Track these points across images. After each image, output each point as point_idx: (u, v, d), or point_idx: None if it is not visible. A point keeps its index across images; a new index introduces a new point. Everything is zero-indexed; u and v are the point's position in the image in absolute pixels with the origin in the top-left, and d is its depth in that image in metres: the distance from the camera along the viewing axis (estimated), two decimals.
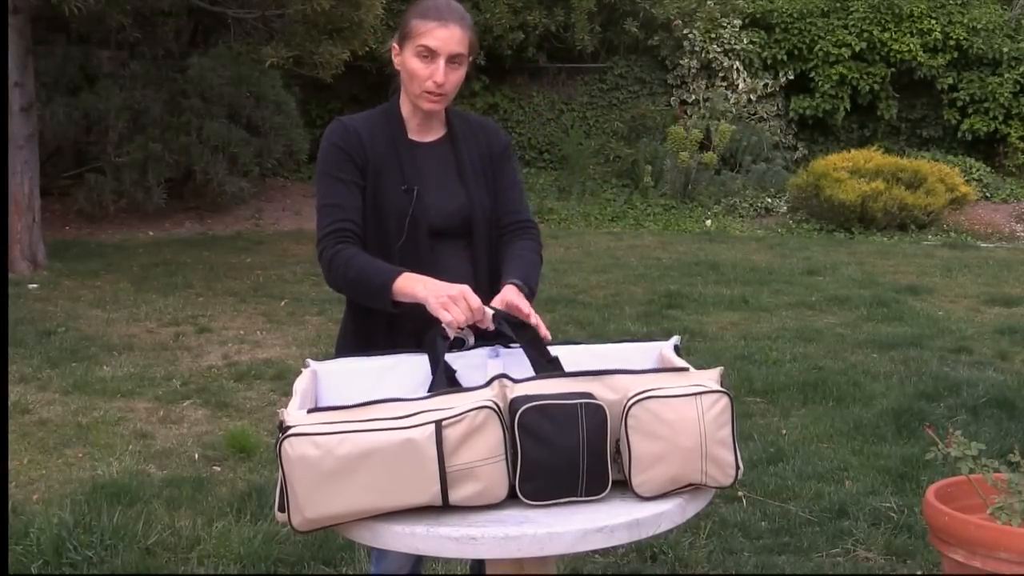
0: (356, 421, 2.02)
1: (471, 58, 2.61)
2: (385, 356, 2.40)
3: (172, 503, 4.25)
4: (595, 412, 2.09)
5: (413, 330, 2.48)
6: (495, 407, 2.07)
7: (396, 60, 2.60)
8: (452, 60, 2.54)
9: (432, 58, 2.52)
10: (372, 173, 2.58)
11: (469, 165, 2.66)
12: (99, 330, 7.21)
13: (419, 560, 2.76)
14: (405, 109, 2.65)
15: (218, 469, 4.73)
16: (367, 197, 2.57)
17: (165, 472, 4.68)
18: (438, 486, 2.02)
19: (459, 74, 2.57)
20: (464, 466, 2.04)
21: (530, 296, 2.48)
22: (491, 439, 2.06)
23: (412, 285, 2.38)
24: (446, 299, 2.31)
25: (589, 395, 2.12)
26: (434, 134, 2.67)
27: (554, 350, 2.37)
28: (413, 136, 2.65)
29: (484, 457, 2.05)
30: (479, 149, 2.69)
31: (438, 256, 2.57)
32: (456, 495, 2.04)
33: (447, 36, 2.52)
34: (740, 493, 4.33)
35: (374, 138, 2.60)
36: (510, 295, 2.41)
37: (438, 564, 3.71)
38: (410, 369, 2.36)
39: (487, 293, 2.52)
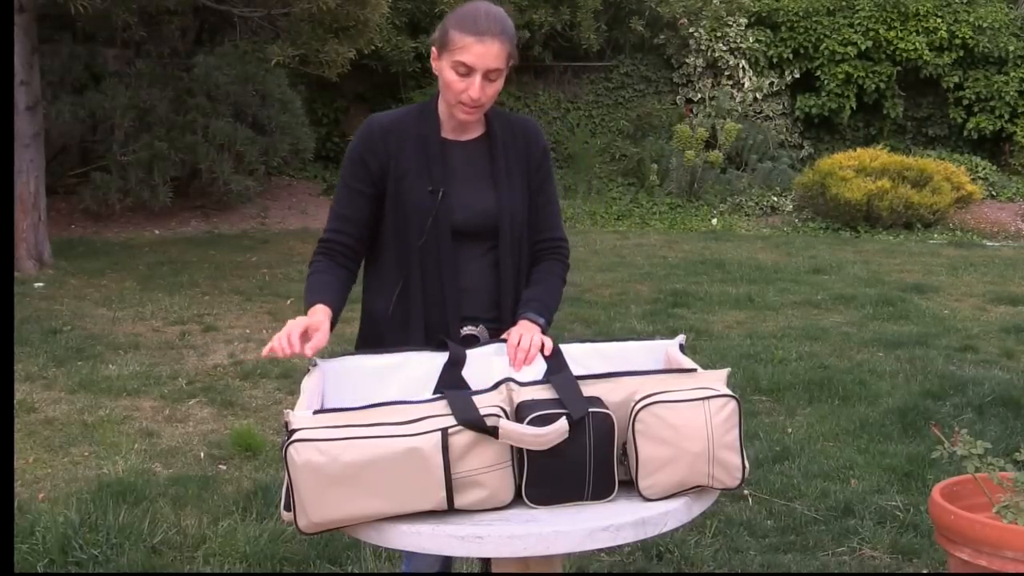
0: (361, 426, 2.01)
1: (511, 63, 2.53)
2: (393, 354, 2.40)
3: (178, 502, 4.25)
4: (603, 421, 2.08)
5: (427, 331, 2.50)
6: (502, 413, 2.06)
7: (434, 64, 2.53)
8: (489, 75, 2.46)
9: (469, 74, 2.45)
10: (396, 173, 2.53)
11: (504, 168, 2.59)
12: (105, 329, 7.21)
13: (449, 558, 2.75)
14: (442, 108, 2.59)
15: (224, 468, 4.73)
16: (391, 196, 2.54)
17: (171, 471, 4.68)
18: (443, 492, 2.02)
19: (496, 86, 2.49)
20: (470, 473, 2.03)
21: (546, 326, 2.50)
22: (497, 446, 2.05)
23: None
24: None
25: (597, 401, 2.11)
26: (471, 133, 2.61)
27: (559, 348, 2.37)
28: (448, 135, 2.59)
29: (490, 464, 2.05)
30: (517, 152, 2.63)
31: (458, 257, 2.54)
32: (462, 500, 2.04)
33: (484, 52, 2.43)
34: (746, 492, 4.32)
35: (404, 137, 2.55)
36: (514, 338, 2.39)
37: (471, 562, 3.65)
38: (417, 366, 2.35)
39: (512, 297, 2.55)
